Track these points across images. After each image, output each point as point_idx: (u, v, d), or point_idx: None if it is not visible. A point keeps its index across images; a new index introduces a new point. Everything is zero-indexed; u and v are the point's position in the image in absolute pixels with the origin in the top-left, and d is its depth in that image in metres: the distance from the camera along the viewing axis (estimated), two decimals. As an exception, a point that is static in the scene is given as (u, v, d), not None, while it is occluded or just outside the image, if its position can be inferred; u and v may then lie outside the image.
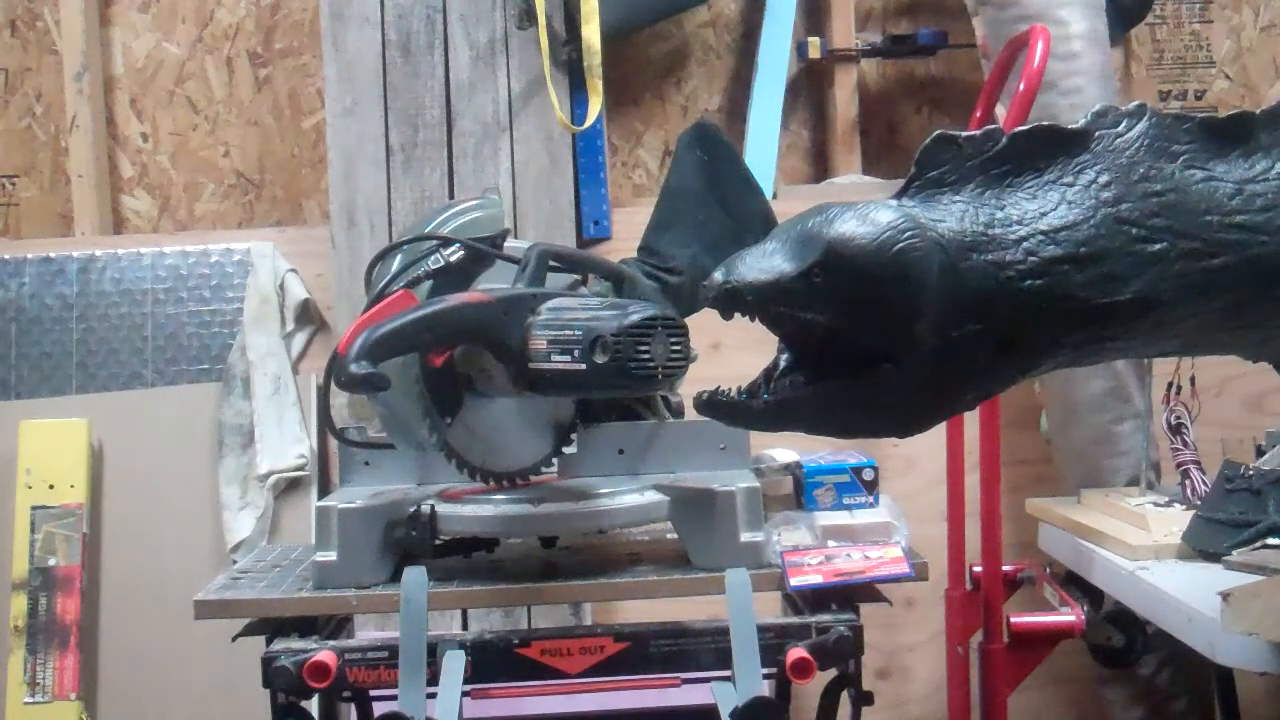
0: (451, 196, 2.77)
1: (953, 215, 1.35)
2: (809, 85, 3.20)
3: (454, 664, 1.69)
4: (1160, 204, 1.37)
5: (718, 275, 1.33)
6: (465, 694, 1.96)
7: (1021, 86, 2.21)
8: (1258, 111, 1.43)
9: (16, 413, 2.83)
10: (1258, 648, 1.59)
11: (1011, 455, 2.74)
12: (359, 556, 1.77)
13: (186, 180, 3.17)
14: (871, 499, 1.96)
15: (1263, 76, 3.24)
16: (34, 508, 2.76)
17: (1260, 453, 2.29)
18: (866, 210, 1.33)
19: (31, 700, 2.70)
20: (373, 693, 2.00)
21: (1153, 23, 3.21)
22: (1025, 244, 1.34)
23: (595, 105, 2.77)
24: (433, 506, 1.77)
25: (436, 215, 1.80)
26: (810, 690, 1.82)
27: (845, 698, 1.80)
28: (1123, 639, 2.35)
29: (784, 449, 2.07)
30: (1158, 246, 1.36)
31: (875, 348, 1.33)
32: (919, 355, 1.32)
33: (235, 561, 2.54)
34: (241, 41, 3.17)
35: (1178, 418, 2.43)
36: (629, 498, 1.81)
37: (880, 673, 2.91)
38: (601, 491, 1.82)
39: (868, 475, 1.97)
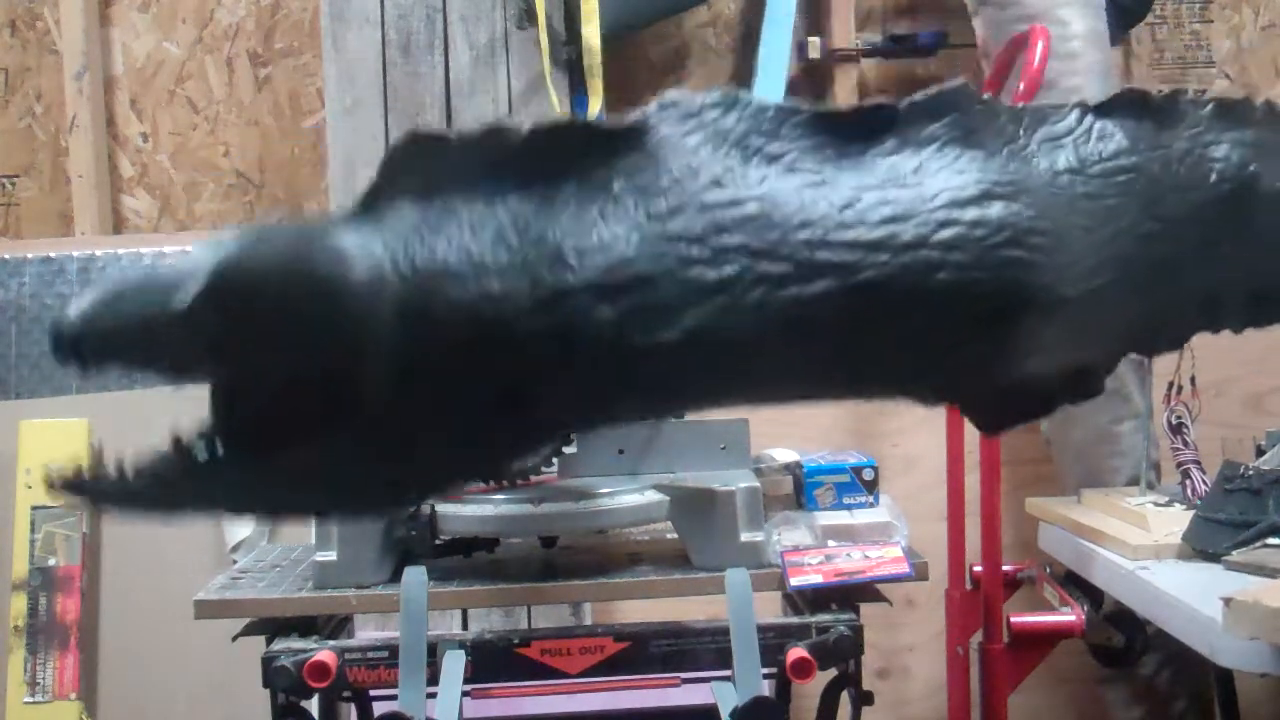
0: (451, 196, 2.76)
1: (441, 237, 1.03)
2: (809, 85, 3.20)
3: (454, 664, 1.69)
4: (735, 217, 1.05)
5: (64, 315, 1.01)
6: (465, 694, 1.96)
7: (1021, 86, 2.21)
8: (900, 105, 1.12)
9: (16, 413, 2.83)
10: (1258, 649, 1.59)
11: (1011, 455, 2.74)
12: (359, 556, 1.77)
13: (186, 180, 3.17)
14: (871, 499, 1.97)
15: (1263, 76, 3.24)
16: (34, 508, 2.76)
17: (1260, 453, 2.28)
18: (271, 230, 1.04)
19: (31, 700, 2.70)
20: (373, 693, 2.00)
21: (1153, 23, 3.21)
22: (532, 271, 1.02)
23: (595, 105, 2.77)
24: (433, 506, 1.77)
25: (436, 215, 1.80)
26: (810, 690, 1.82)
27: (845, 698, 1.80)
28: (1123, 639, 2.34)
29: (784, 449, 2.08)
30: (726, 271, 1.04)
31: (308, 407, 1.04)
32: (372, 412, 1.03)
33: (235, 561, 2.54)
34: (241, 41, 3.17)
35: (1178, 417, 2.42)
36: (629, 498, 1.81)
37: (880, 673, 2.90)
38: (601, 491, 1.82)
39: (868, 475, 1.97)
